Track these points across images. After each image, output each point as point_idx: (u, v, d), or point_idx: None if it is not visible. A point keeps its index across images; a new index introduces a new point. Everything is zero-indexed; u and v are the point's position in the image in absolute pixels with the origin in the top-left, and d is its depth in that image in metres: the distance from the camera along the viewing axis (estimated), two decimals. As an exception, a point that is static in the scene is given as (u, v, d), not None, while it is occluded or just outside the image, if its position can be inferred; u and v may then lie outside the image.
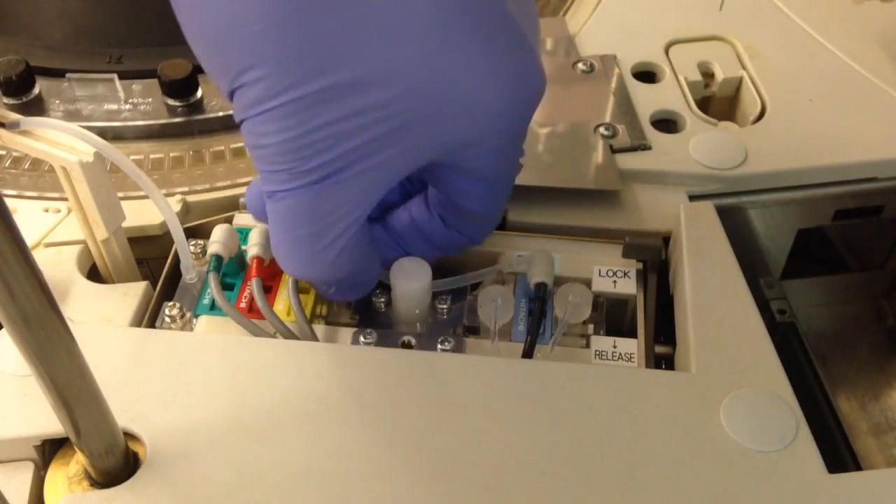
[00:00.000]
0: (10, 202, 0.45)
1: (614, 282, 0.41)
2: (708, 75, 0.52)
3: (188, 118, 0.49)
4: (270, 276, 0.41)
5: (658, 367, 0.40)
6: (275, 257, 0.37)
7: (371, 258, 0.38)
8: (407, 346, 0.39)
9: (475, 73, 0.32)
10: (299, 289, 0.40)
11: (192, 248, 0.42)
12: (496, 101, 0.33)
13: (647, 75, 0.52)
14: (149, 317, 0.40)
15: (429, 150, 0.34)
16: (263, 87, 0.30)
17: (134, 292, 0.41)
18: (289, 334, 0.38)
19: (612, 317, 0.42)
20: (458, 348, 0.39)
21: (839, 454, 0.42)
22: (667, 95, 0.50)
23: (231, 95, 0.32)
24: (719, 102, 0.52)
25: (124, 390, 0.35)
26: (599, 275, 0.42)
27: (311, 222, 0.33)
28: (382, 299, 0.41)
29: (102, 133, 0.40)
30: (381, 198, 0.35)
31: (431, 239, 0.39)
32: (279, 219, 0.34)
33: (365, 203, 0.34)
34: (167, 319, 0.40)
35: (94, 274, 0.43)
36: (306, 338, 0.39)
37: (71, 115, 0.49)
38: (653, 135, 0.47)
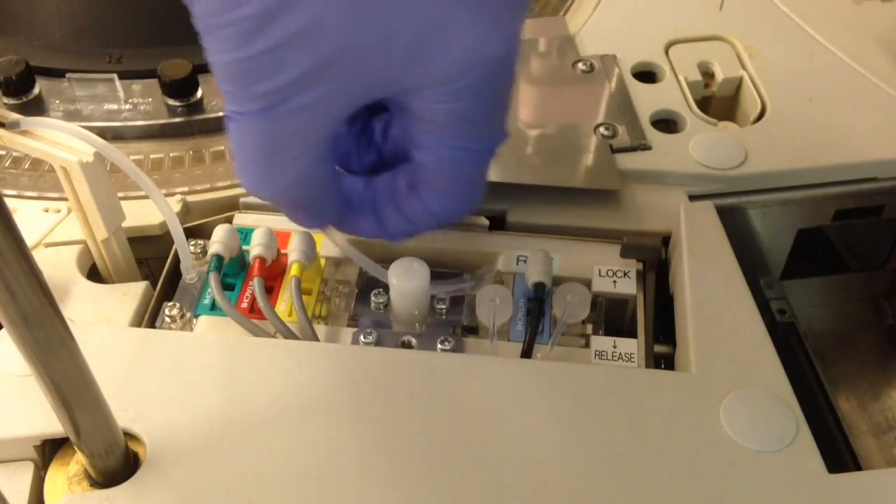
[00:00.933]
0: (10, 202, 0.45)
1: (614, 282, 0.41)
2: (708, 75, 0.52)
3: (188, 118, 0.49)
4: (272, 277, 0.41)
5: (658, 367, 0.40)
6: (239, 179, 0.36)
7: (331, 197, 0.37)
8: (407, 346, 0.39)
9: (426, 8, 0.31)
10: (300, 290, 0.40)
11: (192, 248, 0.42)
12: (452, 43, 0.31)
13: (647, 75, 0.52)
14: (149, 317, 0.40)
15: (371, 85, 0.33)
16: (205, 4, 0.31)
17: (134, 292, 0.41)
18: (289, 334, 0.38)
19: (612, 317, 0.42)
20: (458, 348, 0.39)
21: (839, 454, 0.42)
22: (667, 95, 0.50)
23: None
24: (719, 102, 0.52)
25: (124, 390, 0.35)
26: (599, 275, 0.42)
27: (260, 149, 0.33)
28: (382, 299, 0.41)
29: (102, 133, 0.40)
30: (379, 155, 0.36)
31: (401, 208, 0.38)
32: (233, 140, 0.34)
33: (313, 138, 0.34)
34: (167, 319, 0.40)
35: (94, 274, 0.43)
36: (308, 338, 0.39)
37: (71, 115, 0.49)
38: (653, 135, 0.47)
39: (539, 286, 0.40)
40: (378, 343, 0.39)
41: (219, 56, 0.32)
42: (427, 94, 0.33)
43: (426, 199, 0.37)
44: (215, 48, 0.32)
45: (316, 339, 0.39)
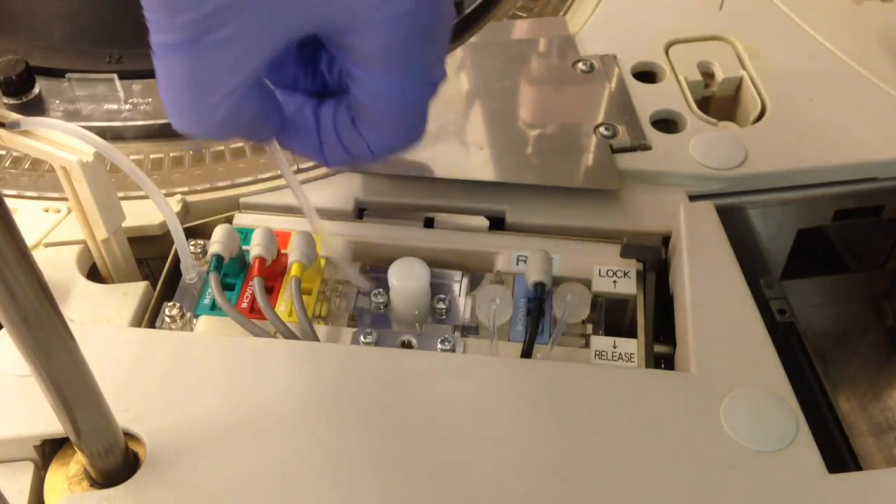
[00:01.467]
0: (10, 202, 0.45)
1: (614, 282, 0.41)
2: (708, 75, 0.52)
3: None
4: (272, 277, 0.41)
5: (658, 367, 0.40)
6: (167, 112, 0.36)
7: (270, 122, 0.37)
8: (406, 346, 0.39)
9: None
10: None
11: (192, 248, 0.42)
12: None
13: (647, 75, 0.52)
14: (149, 317, 0.40)
15: (295, 20, 0.33)
16: None
17: (134, 292, 0.41)
18: (289, 334, 0.38)
19: (612, 317, 0.42)
20: (458, 348, 0.39)
21: (839, 454, 0.42)
22: (667, 95, 0.50)
23: None
24: (719, 102, 0.52)
25: (124, 390, 0.35)
26: (599, 275, 0.42)
27: (188, 86, 0.33)
28: (382, 299, 0.41)
29: (102, 133, 0.40)
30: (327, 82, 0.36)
31: (342, 138, 0.37)
32: (160, 76, 0.34)
33: (242, 73, 0.34)
34: (167, 319, 0.40)
35: (94, 274, 0.43)
36: (308, 338, 0.39)
37: (71, 115, 0.49)
38: (653, 135, 0.47)
39: (539, 286, 0.40)
40: (378, 343, 0.39)
41: None
42: (354, 27, 0.33)
43: (364, 133, 0.37)
44: None
45: (316, 339, 0.39)
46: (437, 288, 0.41)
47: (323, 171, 0.46)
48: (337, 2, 0.33)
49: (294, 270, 0.40)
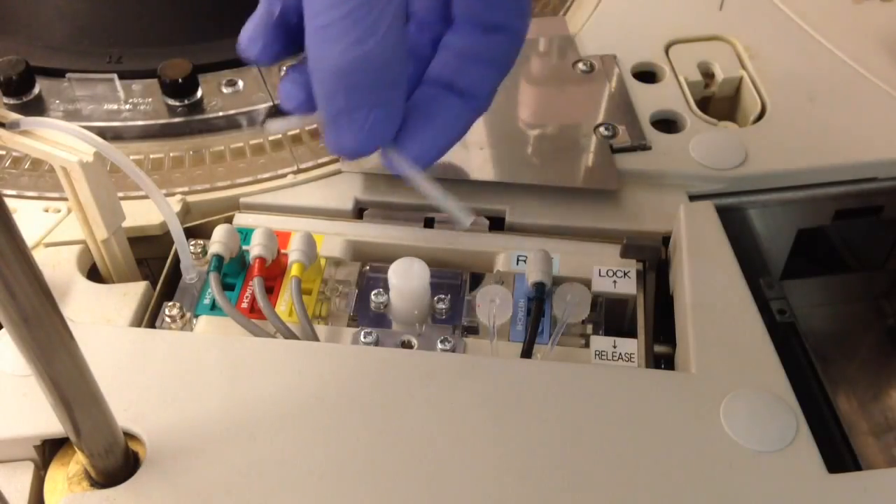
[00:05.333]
0: (10, 202, 0.45)
1: (614, 282, 0.41)
2: (708, 75, 0.52)
3: (188, 118, 0.49)
4: (272, 277, 0.41)
5: (658, 367, 0.40)
6: (317, 51, 0.34)
7: (404, 75, 0.35)
8: (406, 346, 0.39)
9: None
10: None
11: (192, 248, 0.42)
12: None
13: (647, 75, 0.52)
14: (149, 317, 0.40)
15: None
16: None
17: (134, 292, 0.41)
18: (289, 334, 0.38)
19: (612, 317, 0.42)
20: (458, 348, 0.39)
21: (839, 454, 0.42)
22: (667, 95, 0.50)
23: None
24: (719, 102, 0.52)
25: (124, 390, 0.35)
26: (599, 275, 0.42)
27: None
28: (382, 299, 0.41)
29: (102, 133, 0.40)
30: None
31: (488, 54, 0.37)
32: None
33: None
34: (167, 319, 0.40)
35: (94, 274, 0.43)
36: (308, 338, 0.39)
37: (71, 115, 0.49)
38: (653, 135, 0.47)
39: (539, 286, 0.40)
40: (378, 343, 0.39)
41: None
42: None
43: (504, 20, 0.37)
44: None
45: (316, 339, 0.39)
46: (437, 288, 0.41)
47: (323, 171, 0.46)
48: None
49: (294, 270, 0.40)
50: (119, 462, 0.32)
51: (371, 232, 0.44)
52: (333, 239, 0.43)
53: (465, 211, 0.37)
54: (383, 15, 0.33)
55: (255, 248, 0.40)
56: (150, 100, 0.50)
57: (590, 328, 0.40)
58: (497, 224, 0.45)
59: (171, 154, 0.48)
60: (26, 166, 0.47)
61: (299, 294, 0.39)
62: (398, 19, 0.33)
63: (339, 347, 0.38)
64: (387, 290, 0.40)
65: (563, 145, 0.47)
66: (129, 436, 0.34)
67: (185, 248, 0.41)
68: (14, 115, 0.37)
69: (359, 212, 0.45)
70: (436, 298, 0.41)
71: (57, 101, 0.50)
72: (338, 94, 0.34)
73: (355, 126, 0.35)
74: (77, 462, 0.34)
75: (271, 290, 0.41)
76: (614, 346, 0.39)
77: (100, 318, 0.40)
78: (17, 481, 0.34)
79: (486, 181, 0.45)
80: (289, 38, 0.36)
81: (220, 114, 0.49)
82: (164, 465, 0.33)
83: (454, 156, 0.46)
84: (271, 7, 0.35)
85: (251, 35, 0.36)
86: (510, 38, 0.37)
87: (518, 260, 0.42)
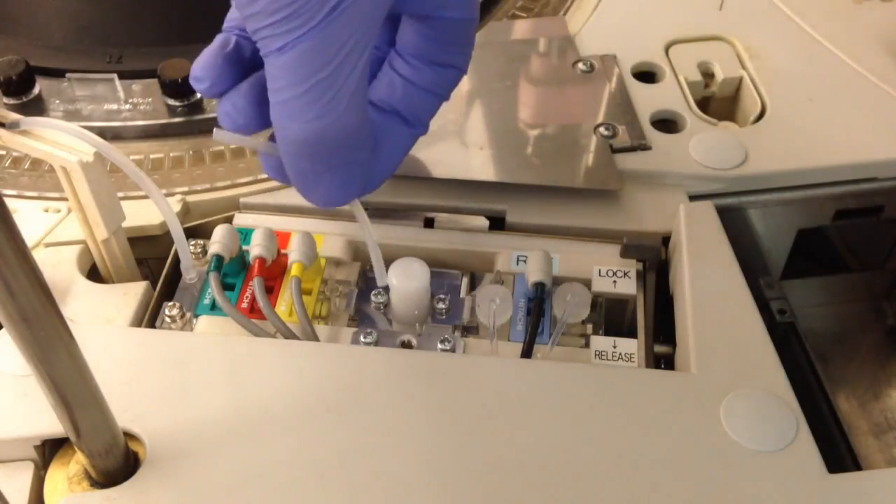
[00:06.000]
0: (10, 202, 0.45)
1: (614, 282, 0.41)
2: (708, 75, 0.52)
3: (188, 118, 0.49)
4: (272, 277, 0.41)
5: (658, 367, 0.40)
6: (281, 125, 0.34)
7: (367, 131, 0.36)
8: (406, 346, 0.39)
9: None
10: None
11: (192, 248, 0.42)
12: None
13: (647, 75, 0.52)
14: (149, 317, 0.40)
15: None
16: None
17: (134, 292, 0.41)
18: (289, 334, 0.38)
19: (612, 317, 0.42)
20: (458, 348, 0.39)
21: (839, 454, 0.42)
22: (667, 95, 0.50)
23: None
24: (719, 102, 0.52)
25: (124, 390, 0.35)
26: (599, 275, 0.42)
27: (326, 62, 0.33)
28: (382, 299, 0.41)
29: (102, 133, 0.40)
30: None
31: (428, 85, 0.38)
32: (292, 70, 0.33)
33: (370, 29, 0.34)
34: (167, 319, 0.40)
35: (94, 274, 0.43)
36: (308, 338, 0.39)
37: (71, 115, 0.49)
38: (653, 135, 0.47)
39: (539, 286, 0.40)
40: (378, 343, 0.39)
41: None
42: None
43: (450, 58, 0.38)
44: None
45: (316, 338, 0.39)
46: (437, 288, 0.41)
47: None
48: None
49: (294, 270, 0.40)
50: (119, 462, 0.32)
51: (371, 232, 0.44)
52: (333, 239, 0.43)
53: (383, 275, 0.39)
54: (342, 91, 0.34)
55: (255, 248, 0.40)
56: (150, 100, 0.50)
57: (590, 328, 0.40)
58: (497, 224, 0.44)
59: (171, 154, 0.48)
60: (26, 166, 0.47)
61: (299, 294, 0.39)
62: (359, 93, 0.34)
63: (339, 347, 0.38)
64: (387, 290, 0.40)
65: (563, 145, 0.47)
66: (129, 436, 0.34)
67: (185, 248, 0.40)
68: (14, 115, 0.37)
69: (359, 212, 0.45)
70: (436, 298, 0.41)
71: (57, 101, 0.50)
72: (302, 160, 0.35)
73: (322, 187, 0.36)
74: (77, 462, 0.34)
75: (271, 290, 0.41)
76: (614, 346, 0.39)
77: (100, 318, 0.40)
78: (17, 481, 0.34)
79: (486, 181, 0.45)
80: (240, 73, 0.36)
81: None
82: (164, 465, 0.33)
83: (454, 156, 0.46)
84: (227, 39, 0.36)
85: (202, 69, 0.36)
86: (454, 73, 0.39)
87: (518, 260, 0.42)
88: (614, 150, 0.46)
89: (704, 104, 0.52)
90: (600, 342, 0.39)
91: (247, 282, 0.41)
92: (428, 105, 0.39)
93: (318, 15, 0.32)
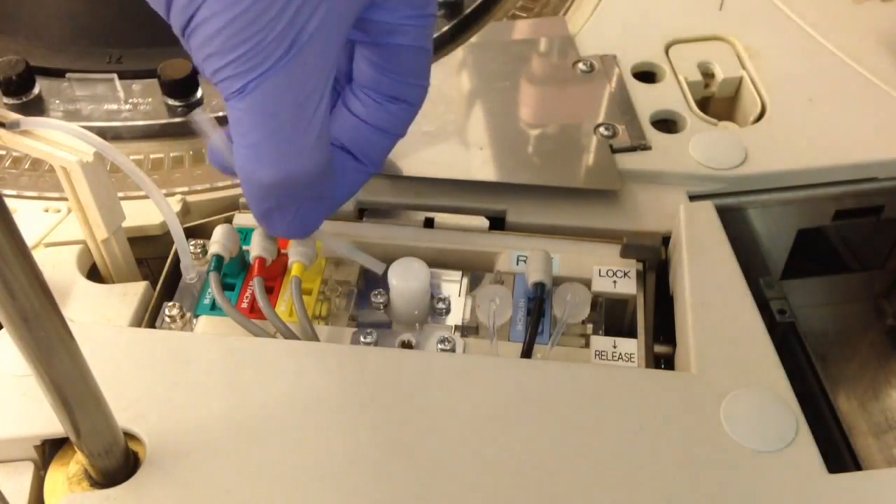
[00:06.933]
0: (10, 202, 0.45)
1: (614, 282, 0.41)
2: (708, 75, 0.52)
3: (188, 118, 0.49)
4: (272, 277, 0.41)
5: (658, 367, 0.40)
6: (247, 169, 0.35)
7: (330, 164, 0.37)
8: (406, 346, 0.39)
9: None
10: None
11: (192, 248, 0.42)
12: None
13: (647, 75, 0.52)
14: (149, 317, 0.40)
15: None
16: None
17: (134, 292, 0.41)
18: (290, 334, 0.38)
19: (612, 317, 0.42)
20: (457, 348, 0.39)
21: (839, 454, 0.42)
22: (667, 95, 0.50)
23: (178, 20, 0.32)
24: (719, 102, 0.52)
25: (124, 390, 0.35)
26: (599, 275, 0.42)
27: (290, 102, 0.33)
28: (382, 299, 0.41)
29: (102, 133, 0.40)
30: None
31: (379, 123, 0.38)
32: (255, 112, 0.33)
33: (330, 66, 0.34)
34: (167, 319, 0.40)
35: (94, 274, 0.43)
36: (308, 338, 0.39)
37: (71, 115, 0.49)
38: (653, 135, 0.47)
39: (539, 286, 0.40)
40: (378, 343, 0.39)
41: (219, 20, 0.31)
42: None
43: (403, 93, 0.38)
44: (208, 14, 0.31)
45: (316, 338, 0.39)
46: (437, 288, 0.41)
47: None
48: None
49: (295, 270, 0.40)
50: (119, 462, 0.32)
51: (371, 232, 0.44)
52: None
53: (377, 264, 0.39)
54: (308, 132, 0.34)
55: (255, 249, 0.40)
56: (150, 100, 0.50)
57: (590, 328, 0.40)
58: (497, 224, 0.44)
59: (171, 154, 0.48)
60: (26, 166, 0.47)
61: (300, 294, 0.39)
62: (324, 131, 0.34)
63: (339, 347, 0.38)
64: (387, 290, 0.40)
65: (564, 145, 0.47)
66: (129, 436, 0.34)
67: (185, 248, 0.41)
68: (14, 115, 0.37)
69: (359, 212, 0.45)
70: (436, 298, 0.41)
71: (57, 101, 0.50)
72: (266, 200, 0.35)
73: (285, 221, 0.37)
74: (77, 462, 0.34)
75: (271, 290, 0.41)
76: (614, 346, 0.39)
77: (100, 318, 0.40)
78: (17, 481, 0.34)
79: (486, 181, 0.45)
80: None
81: (221, 114, 0.49)
82: (164, 465, 0.33)
83: (454, 156, 0.46)
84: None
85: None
86: (406, 109, 0.39)
87: (518, 260, 0.42)
88: (614, 150, 0.46)
89: (704, 104, 0.52)
90: (600, 342, 0.39)
91: (247, 282, 0.41)
92: (378, 144, 0.39)
93: (276, 53, 0.32)
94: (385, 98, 0.38)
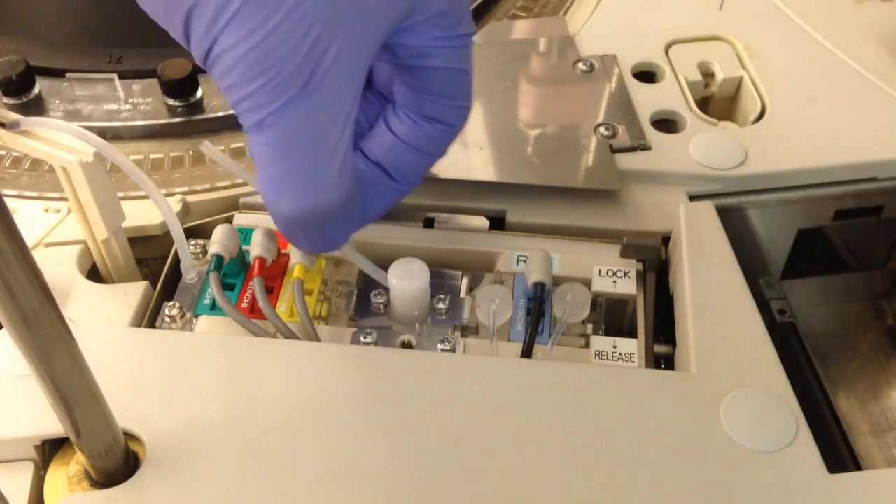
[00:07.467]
0: (10, 202, 0.45)
1: (614, 282, 0.41)
2: (708, 75, 0.52)
3: (188, 118, 0.49)
4: (272, 277, 0.41)
5: (658, 367, 0.40)
6: (269, 200, 0.35)
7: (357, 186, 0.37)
8: (406, 346, 0.39)
9: None
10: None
11: (192, 248, 0.42)
12: None
13: (647, 75, 0.52)
14: (149, 317, 0.40)
15: (385, 11, 0.33)
16: (216, 4, 0.30)
17: (134, 292, 0.41)
18: (290, 334, 0.38)
19: (612, 317, 0.42)
20: (457, 348, 0.39)
21: (839, 454, 0.42)
22: (667, 95, 0.50)
23: (199, 48, 0.32)
24: (719, 102, 0.52)
25: (124, 390, 0.35)
26: (599, 275, 0.42)
27: (309, 136, 0.33)
28: (382, 299, 0.41)
29: (102, 133, 0.40)
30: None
31: (416, 143, 0.38)
32: (278, 145, 0.33)
33: (352, 99, 0.33)
34: (167, 319, 0.40)
35: (94, 274, 0.43)
36: (309, 338, 0.39)
37: (71, 115, 0.49)
38: (653, 135, 0.47)
39: (539, 286, 0.40)
40: (378, 343, 0.39)
41: (238, 50, 0.31)
42: (425, 13, 0.34)
43: (442, 115, 0.37)
44: (228, 45, 0.31)
45: (317, 339, 0.39)
46: (437, 288, 0.41)
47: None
48: None
49: (297, 272, 0.40)
50: (119, 462, 0.32)
51: (371, 232, 0.44)
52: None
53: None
54: (330, 166, 0.33)
55: (256, 249, 0.40)
56: (150, 100, 0.50)
57: (590, 328, 0.40)
58: (497, 224, 0.45)
59: (171, 154, 0.48)
60: (26, 166, 0.47)
61: (302, 296, 0.39)
62: (346, 164, 0.34)
63: (339, 347, 0.38)
64: (387, 290, 0.40)
65: (564, 145, 0.47)
66: (129, 436, 0.34)
67: (185, 248, 0.41)
68: (14, 115, 0.37)
69: (359, 212, 0.45)
70: (436, 298, 0.41)
71: (57, 101, 0.50)
72: (290, 226, 0.36)
73: (310, 241, 0.38)
74: (77, 462, 0.34)
75: (271, 291, 0.41)
76: (614, 346, 0.39)
77: (100, 318, 0.40)
78: (17, 481, 0.34)
79: (486, 181, 0.45)
80: None
81: (220, 114, 0.49)
82: (164, 465, 0.33)
83: (454, 156, 0.46)
84: None
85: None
86: (444, 130, 0.38)
87: (518, 260, 0.42)
88: (614, 150, 0.46)
89: (704, 104, 0.52)
90: (600, 342, 0.39)
91: (247, 282, 0.41)
92: (414, 164, 0.38)
93: (294, 85, 0.31)
94: (422, 118, 0.37)
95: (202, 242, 0.42)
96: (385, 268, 0.40)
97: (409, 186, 0.39)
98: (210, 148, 0.39)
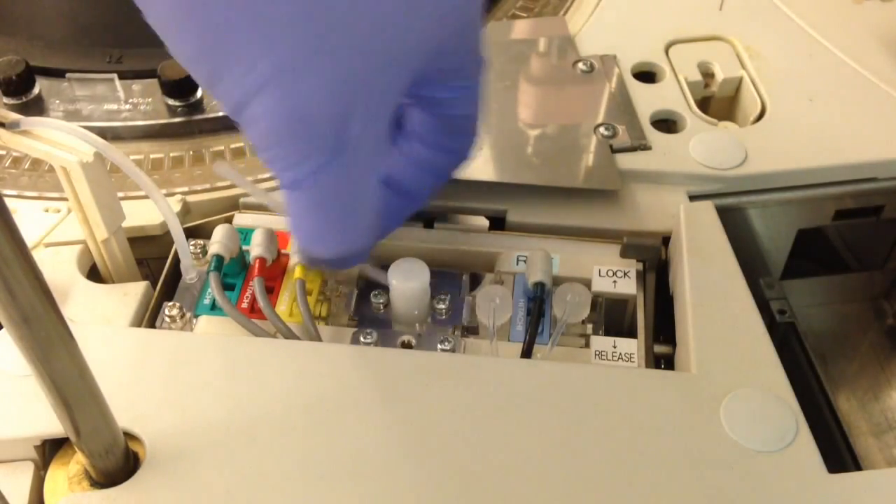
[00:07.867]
0: (10, 202, 0.45)
1: (614, 282, 0.41)
2: (708, 75, 0.52)
3: (188, 118, 0.49)
4: (272, 277, 0.41)
5: (658, 367, 0.40)
6: (302, 246, 0.36)
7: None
8: (406, 346, 0.39)
9: None
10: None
11: (192, 248, 0.42)
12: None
13: (647, 75, 0.52)
14: (149, 317, 0.40)
15: (411, 67, 0.33)
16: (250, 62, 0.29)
17: (134, 292, 0.41)
18: (290, 334, 0.38)
19: (612, 317, 0.42)
20: (457, 348, 0.39)
21: (839, 454, 0.42)
22: (667, 95, 0.50)
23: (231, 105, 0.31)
24: (719, 102, 0.52)
25: (124, 390, 0.35)
26: (599, 275, 0.42)
27: (342, 195, 0.33)
28: (382, 299, 0.41)
29: (102, 133, 0.40)
30: None
31: (426, 167, 0.38)
32: (307, 206, 0.33)
33: (383, 150, 0.34)
34: (167, 319, 0.40)
35: (94, 274, 0.43)
36: (311, 338, 0.39)
37: (71, 115, 0.49)
38: (653, 135, 0.47)
39: (539, 286, 0.40)
40: (378, 343, 0.39)
41: (267, 119, 0.30)
42: (449, 56, 0.35)
43: (454, 146, 0.38)
44: (262, 110, 0.30)
45: (319, 339, 0.39)
46: (437, 288, 0.41)
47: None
48: (430, 30, 0.32)
49: (297, 273, 0.40)
50: (119, 462, 0.32)
51: (371, 232, 0.44)
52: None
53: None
54: (360, 223, 0.35)
55: (256, 249, 0.40)
56: (150, 100, 0.50)
57: (590, 328, 0.40)
58: (497, 224, 0.45)
59: (171, 154, 0.48)
60: (26, 166, 0.47)
61: (304, 297, 0.39)
62: (374, 215, 0.35)
63: (339, 347, 0.38)
64: (387, 290, 0.40)
65: (564, 145, 0.47)
66: (129, 436, 0.34)
67: (185, 248, 0.41)
68: (14, 115, 0.37)
69: (359, 212, 0.45)
70: (436, 298, 0.41)
71: (57, 101, 0.50)
72: (317, 263, 0.38)
73: (333, 267, 0.39)
74: (77, 462, 0.34)
75: (271, 291, 0.41)
76: (614, 346, 0.39)
77: (100, 318, 0.40)
78: (17, 481, 0.34)
79: (486, 181, 0.45)
80: None
81: (220, 114, 0.49)
82: (164, 465, 0.33)
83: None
84: None
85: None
86: (454, 158, 0.39)
87: (518, 260, 0.42)
88: (614, 150, 0.46)
89: (704, 104, 0.52)
90: (600, 342, 0.39)
91: (247, 282, 0.41)
92: (425, 183, 0.38)
93: (329, 146, 0.31)
94: (434, 146, 0.38)
95: (202, 242, 0.42)
96: (385, 268, 0.40)
97: (417, 205, 0.39)
98: (227, 170, 0.39)
